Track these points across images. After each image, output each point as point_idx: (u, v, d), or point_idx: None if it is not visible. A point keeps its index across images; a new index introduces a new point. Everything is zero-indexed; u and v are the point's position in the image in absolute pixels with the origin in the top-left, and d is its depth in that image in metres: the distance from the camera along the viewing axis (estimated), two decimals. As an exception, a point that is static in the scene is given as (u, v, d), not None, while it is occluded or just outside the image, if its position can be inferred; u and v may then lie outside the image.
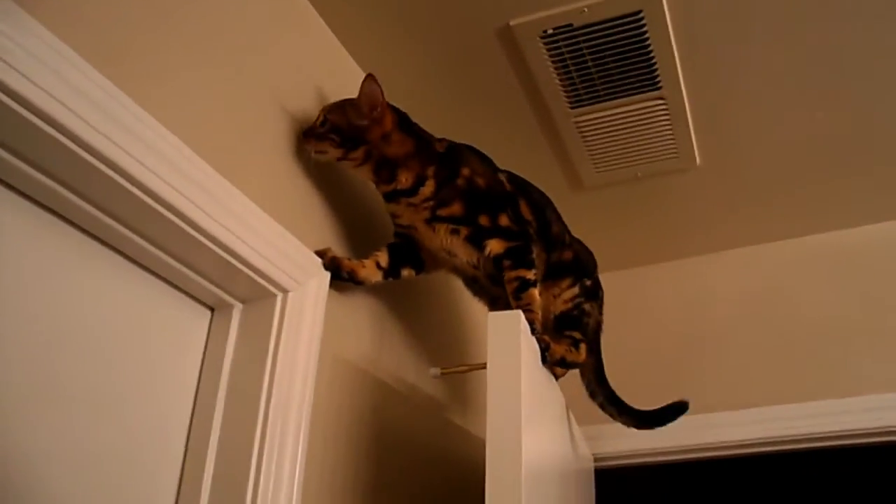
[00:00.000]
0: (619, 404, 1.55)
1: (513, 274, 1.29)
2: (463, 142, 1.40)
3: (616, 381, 1.66)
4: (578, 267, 1.48)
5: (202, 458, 1.10)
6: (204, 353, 1.18)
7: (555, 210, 1.51)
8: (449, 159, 1.33)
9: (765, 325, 2.09)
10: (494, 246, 1.30)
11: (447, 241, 1.32)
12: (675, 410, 1.54)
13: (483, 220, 1.30)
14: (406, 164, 1.29)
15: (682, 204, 2.01)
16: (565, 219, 1.57)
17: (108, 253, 1.06)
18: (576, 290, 1.43)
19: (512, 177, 1.43)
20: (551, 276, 1.42)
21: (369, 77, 1.26)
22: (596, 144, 1.75)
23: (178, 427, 1.12)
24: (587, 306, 1.45)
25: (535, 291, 1.29)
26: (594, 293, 1.50)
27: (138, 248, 1.06)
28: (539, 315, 1.29)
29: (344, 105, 1.29)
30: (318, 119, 1.29)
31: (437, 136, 1.39)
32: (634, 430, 1.73)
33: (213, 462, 1.09)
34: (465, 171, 1.32)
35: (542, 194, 1.50)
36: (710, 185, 1.91)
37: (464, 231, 1.31)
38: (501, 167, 1.45)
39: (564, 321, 1.40)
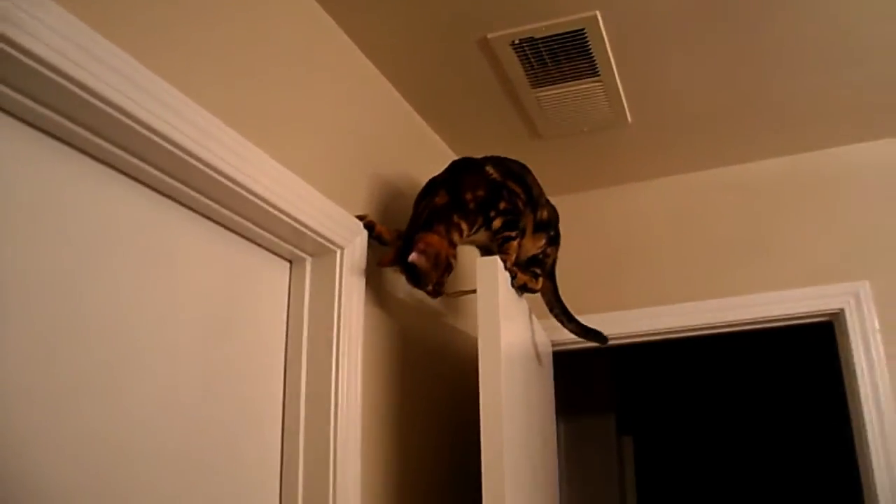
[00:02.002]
0: (568, 315, 2.13)
1: (502, 235, 1.85)
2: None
3: (567, 284, 2.18)
4: (549, 223, 2.04)
5: (298, 372, 1.64)
6: (289, 293, 1.72)
7: (532, 175, 2.03)
8: (455, 202, 1.80)
9: (682, 240, 2.60)
10: (497, 223, 1.85)
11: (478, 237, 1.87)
12: (599, 335, 2.14)
13: (492, 213, 1.84)
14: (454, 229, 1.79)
15: (617, 148, 2.51)
16: (528, 159, 2.07)
17: (209, 224, 1.49)
18: (544, 240, 2.00)
19: (496, 162, 1.93)
20: (536, 231, 1.98)
21: (416, 255, 1.66)
22: (551, 111, 2.25)
23: (277, 348, 1.66)
24: (549, 250, 2.02)
25: (514, 244, 1.86)
26: (555, 240, 2.06)
27: (229, 218, 1.50)
28: (513, 258, 1.86)
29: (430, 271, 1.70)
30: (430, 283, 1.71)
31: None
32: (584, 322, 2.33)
33: (305, 374, 1.63)
34: (469, 196, 1.82)
35: (521, 165, 2.01)
36: (638, 136, 2.42)
37: (484, 227, 1.84)
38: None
39: (532, 261, 1.98)
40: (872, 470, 2.18)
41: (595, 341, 2.15)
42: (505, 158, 2.00)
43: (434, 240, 1.70)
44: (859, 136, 2.46)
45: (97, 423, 1.19)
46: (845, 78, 2.14)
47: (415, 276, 1.69)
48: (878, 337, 2.30)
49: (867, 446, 2.21)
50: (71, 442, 1.14)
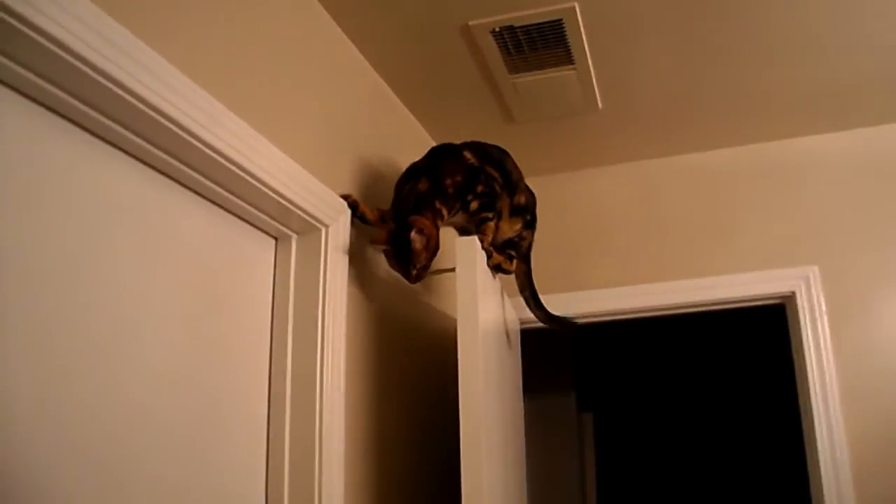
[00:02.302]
0: (536, 301, 2.22)
1: (479, 216, 1.92)
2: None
3: (535, 263, 2.24)
4: (526, 208, 2.12)
5: (284, 345, 1.70)
6: (275, 269, 1.77)
7: (512, 160, 2.10)
8: (436, 188, 1.87)
9: (645, 223, 2.72)
10: (474, 205, 1.92)
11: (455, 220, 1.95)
12: (567, 323, 2.25)
13: (469, 197, 1.91)
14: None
15: (587, 133, 2.60)
16: (503, 143, 2.14)
17: (199, 199, 1.52)
18: (520, 224, 2.08)
19: (474, 148, 2.00)
20: (513, 215, 2.05)
21: (415, 234, 1.74)
22: (526, 97, 2.32)
23: (263, 322, 1.71)
24: (525, 233, 2.10)
25: (491, 225, 1.93)
26: (532, 224, 2.15)
27: (221, 196, 1.54)
28: (490, 238, 1.94)
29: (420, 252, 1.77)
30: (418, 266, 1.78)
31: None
32: (548, 301, 2.40)
33: (291, 348, 1.69)
34: (448, 181, 1.89)
35: (500, 150, 2.08)
36: (607, 122, 2.51)
37: (462, 210, 1.92)
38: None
39: (508, 244, 2.06)
40: (816, 442, 2.34)
41: (559, 328, 2.25)
42: (484, 144, 2.07)
43: (428, 223, 1.77)
44: (814, 129, 2.60)
45: (91, 394, 1.23)
46: (800, 73, 2.26)
47: (407, 256, 1.76)
48: (826, 319, 2.45)
49: (812, 421, 2.36)
50: (69, 412, 1.19)
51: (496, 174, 2.00)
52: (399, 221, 1.80)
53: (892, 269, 2.44)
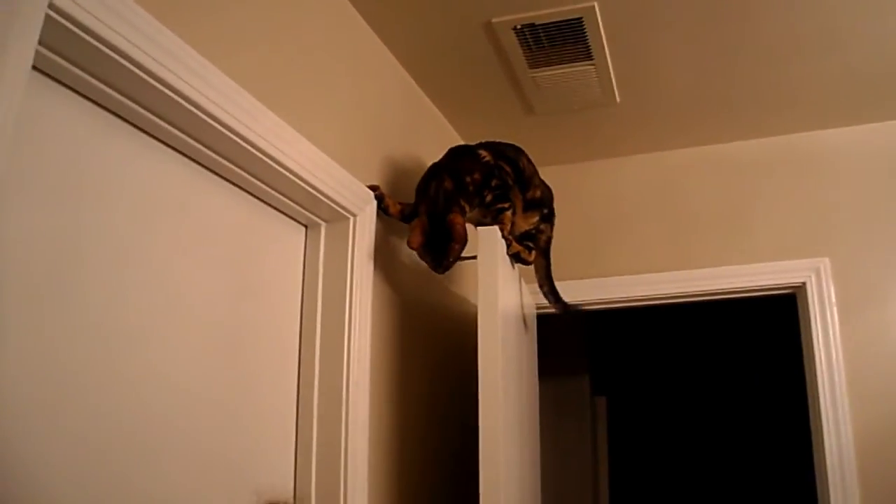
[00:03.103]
0: (556, 295, 2.30)
1: (495, 207, 2.01)
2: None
3: (552, 250, 2.31)
4: (542, 202, 2.20)
5: (313, 329, 1.80)
6: (304, 256, 1.87)
7: (526, 157, 2.18)
8: (459, 186, 1.97)
9: (660, 213, 2.78)
10: (489, 197, 2.00)
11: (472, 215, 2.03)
12: (578, 311, 2.36)
13: (485, 192, 1.99)
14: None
15: (605, 126, 2.66)
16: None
17: (234, 189, 1.62)
18: (537, 217, 2.16)
19: (489, 147, 2.09)
20: (527, 209, 2.14)
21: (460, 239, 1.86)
22: (546, 91, 2.40)
23: (294, 305, 1.82)
24: (543, 226, 2.19)
25: (508, 214, 2.02)
26: (549, 218, 2.23)
27: (255, 186, 1.64)
28: (508, 227, 2.02)
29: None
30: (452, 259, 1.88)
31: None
32: (566, 287, 2.48)
33: (320, 331, 1.79)
34: (468, 179, 1.97)
35: (515, 148, 2.17)
36: (626, 115, 2.58)
37: (479, 206, 2.01)
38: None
39: (525, 236, 2.15)
40: (822, 429, 2.41)
41: (574, 315, 2.34)
42: (499, 143, 2.16)
43: (462, 221, 1.88)
44: (828, 123, 2.65)
45: (136, 372, 1.33)
46: (817, 68, 2.31)
47: (444, 251, 1.86)
48: (835, 310, 2.51)
49: (819, 409, 2.44)
50: (109, 389, 1.29)
51: (509, 169, 2.09)
52: (434, 219, 1.89)
53: (902, 262, 2.50)
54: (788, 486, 4.23)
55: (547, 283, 2.28)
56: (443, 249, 1.86)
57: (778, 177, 2.70)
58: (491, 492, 1.75)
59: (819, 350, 2.49)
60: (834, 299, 2.52)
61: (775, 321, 3.11)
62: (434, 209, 1.91)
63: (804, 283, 2.58)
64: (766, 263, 2.64)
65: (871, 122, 2.63)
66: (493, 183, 2.02)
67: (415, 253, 1.93)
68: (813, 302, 2.54)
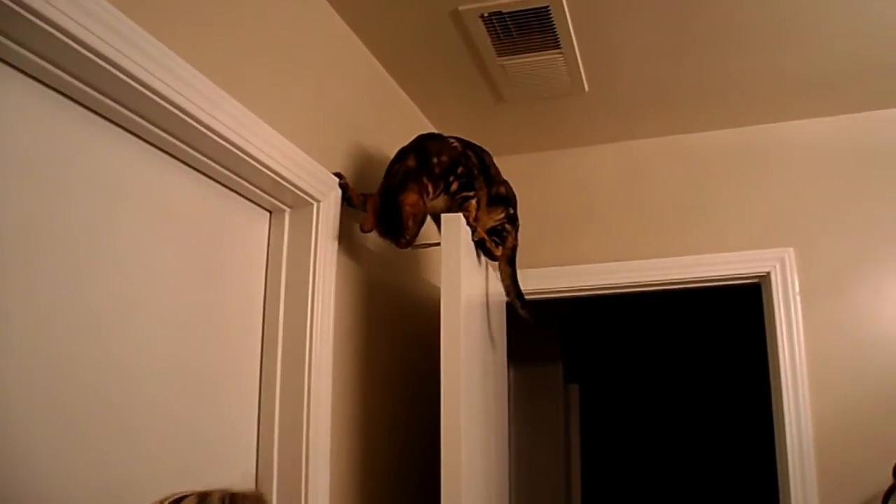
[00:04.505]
0: (522, 300, 2.27)
1: (461, 195, 2.02)
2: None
3: (522, 238, 2.30)
4: (507, 199, 2.22)
5: (276, 315, 1.80)
6: (268, 241, 1.88)
7: (491, 158, 2.21)
8: (423, 165, 1.98)
9: (629, 202, 2.80)
10: (454, 185, 2.02)
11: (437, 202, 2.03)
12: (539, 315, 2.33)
13: (451, 178, 2.00)
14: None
15: (574, 114, 2.68)
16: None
17: (198, 176, 1.62)
18: (503, 214, 2.18)
19: (458, 138, 2.11)
20: (492, 204, 2.15)
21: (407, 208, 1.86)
22: (515, 79, 2.40)
23: (257, 291, 1.82)
24: (508, 226, 2.19)
25: (473, 203, 2.03)
26: (514, 219, 2.23)
27: (219, 172, 1.64)
28: (474, 214, 2.04)
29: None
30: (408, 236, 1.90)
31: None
32: (534, 274, 2.53)
33: (283, 317, 1.80)
34: (435, 160, 1.98)
35: (481, 148, 2.20)
36: (594, 104, 2.59)
37: (444, 192, 2.02)
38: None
39: (492, 231, 2.16)
40: (784, 414, 2.46)
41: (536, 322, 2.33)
42: (469, 140, 2.19)
43: (414, 198, 1.88)
44: (794, 114, 2.68)
45: (97, 359, 1.34)
46: (783, 61, 2.33)
47: (398, 228, 1.87)
48: (798, 299, 2.55)
49: (781, 395, 2.48)
50: (73, 374, 1.30)
51: (475, 160, 2.11)
52: (387, 197, 1.90)
53: (863, 254, 2.54)
54: (753, 468, 4.30)
55: (514, 290, 2.26)
56: (398, 226, 1.87)
57: (744, 167, 2.73)
58: (452, 474, 1.77)
59: (782, 338, 2.53)
60: (798, 289, 2.56)
61: (743, 309, 3.15)
62: (389, 187, 1.93)
63: (769, 273, 2.61)
64: (733, 253, 2.67)
65: (835, 114, 2.66)
66: (459, 170, 2.03)
67: (381, 238, 1.95)
68: (778, 291, 2.57)
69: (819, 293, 2.54)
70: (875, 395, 2.40)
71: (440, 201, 2.04)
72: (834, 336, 2.49)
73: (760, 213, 2.68)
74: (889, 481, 2.30)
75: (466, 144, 2.13)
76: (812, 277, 2.56)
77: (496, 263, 2.24)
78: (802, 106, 2.62)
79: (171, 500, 0.91)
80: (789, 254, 2.60)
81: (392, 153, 2.08)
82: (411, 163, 1.96)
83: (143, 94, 1.33)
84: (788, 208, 2.65)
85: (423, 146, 2.02)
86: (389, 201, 1.89)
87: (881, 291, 2.50)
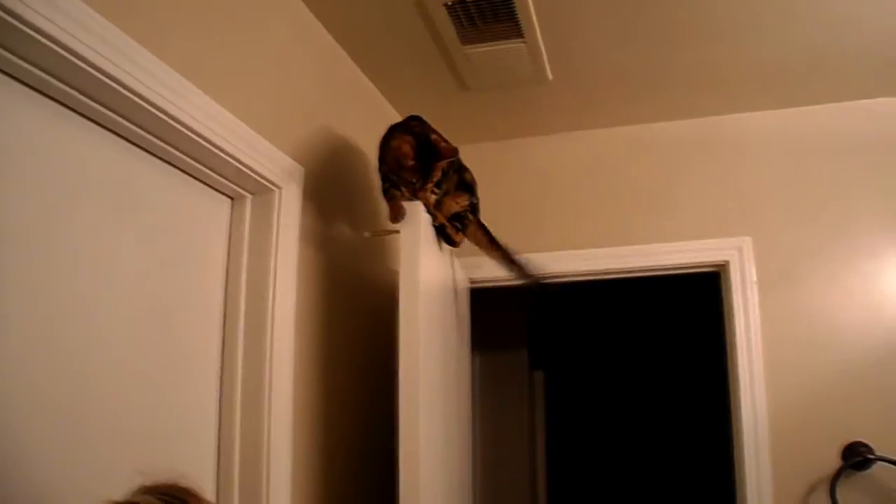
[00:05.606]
0: (511, 261, 2.30)
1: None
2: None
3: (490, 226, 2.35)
4: (472, 188, 2.24)
5: (237, 301, 1.79)
6: (230, 227, 1.87)
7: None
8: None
9: (593, 190, 2.83)
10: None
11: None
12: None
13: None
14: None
15: (538, 103, 2.69)
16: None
17: (159, 162, 1.60)
18: (467, 201, 2.20)
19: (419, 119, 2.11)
20: (458, 189, 2.17)
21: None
22: (479, 67, 2.41)
23: (218, 277, 1.81)
24: (470, 216, 2.22)
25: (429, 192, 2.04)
26: (475, 209, 2.26)
27: (180, 159, 1.63)
28: (432, 199, 2.05)
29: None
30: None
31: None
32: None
33: (244, 303, 1.79)
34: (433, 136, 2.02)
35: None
36: (557, 92, 2.61)
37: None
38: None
39: (455, 217, 2.18)
40: (740, 401, 2.51)
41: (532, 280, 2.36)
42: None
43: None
44: (753, 106, 2.73)
45: (58, 347, 1.33)
46: (742, 52, 2.37)
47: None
48: (755, 287, 2.60)
49: (738, 381, 2.54)
50: (32, 363, 1.28)
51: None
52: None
53: (818, 243, 2.60)
54: (712, 452, 4.39)
55: (497, 251, 2.28)
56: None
57: (704, 157, 2.78)
58: (410, 461, 1.78)
59: (740, 325, 2.58)
60: (755, 277, 2.61)
61: (704, 297, 3.20)
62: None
63: (727, 262, 2.66)
64: (693, 241, 2.71)
65: (794, 106, 2.71)
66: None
67: (343, 226, 1.95)
68: (736, 280, 2.62)
69: (776, 282, 2.60)
70: (827, 381, 2.47)
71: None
72: (788, 323, 2.55)
73: (720, 202, 2.72)
74: (839, 464, 2.37)
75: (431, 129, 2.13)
76: (769, 266, 2.62)
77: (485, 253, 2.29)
78: (763, 97, 2.67)
79: None
80: (747, 242, 2.65)
81: (354, 139, 2.08)
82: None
83: (105, 83, 1.32)
84: (747, 198, 2.70)
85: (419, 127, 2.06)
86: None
87: (834, 280, 2.56)
